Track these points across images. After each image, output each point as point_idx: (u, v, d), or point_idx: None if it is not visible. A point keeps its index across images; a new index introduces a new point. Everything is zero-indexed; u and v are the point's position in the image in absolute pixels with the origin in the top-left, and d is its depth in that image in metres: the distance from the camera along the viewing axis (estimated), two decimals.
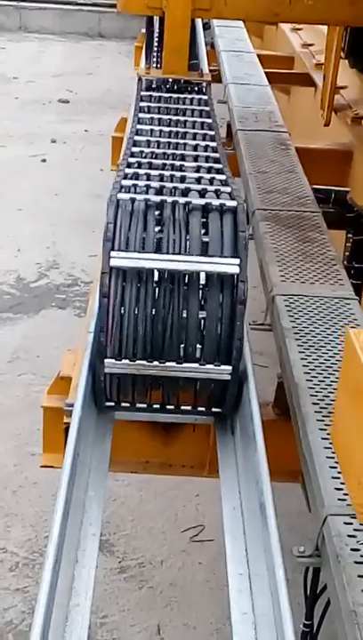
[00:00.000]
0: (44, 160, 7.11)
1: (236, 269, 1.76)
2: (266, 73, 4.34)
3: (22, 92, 8.93)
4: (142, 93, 2.93)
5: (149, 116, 2.65)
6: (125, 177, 1.98)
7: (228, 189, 1.94)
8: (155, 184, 1.94)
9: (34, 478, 3.54)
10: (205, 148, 2.36)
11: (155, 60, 3.58)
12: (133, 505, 3.47)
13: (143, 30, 4.35)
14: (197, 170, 2.11)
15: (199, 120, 2.64)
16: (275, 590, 1.37)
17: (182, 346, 1.78)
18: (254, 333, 2.15)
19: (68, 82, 9.35)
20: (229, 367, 1.80)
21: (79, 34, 11.49)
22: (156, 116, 2.65)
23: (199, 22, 4.21)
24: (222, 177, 2.06)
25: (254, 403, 1.77)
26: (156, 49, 3.62)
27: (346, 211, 3.34)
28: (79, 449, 1.67)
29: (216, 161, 2.23)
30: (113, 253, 1.75)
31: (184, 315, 1.76)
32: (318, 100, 4.46)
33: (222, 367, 1.80)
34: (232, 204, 1.86)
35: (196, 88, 3.06)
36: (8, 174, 6.73)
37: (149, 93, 2.92)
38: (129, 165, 2.12)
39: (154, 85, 3.07)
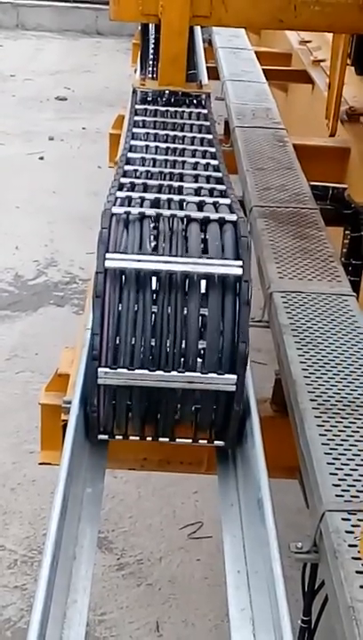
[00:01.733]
0: (41, 158, 7.10)
1: (231, 388, 1.68)
2: (263, 70, 4.34)
3: (20, 90, 8.92)
4: (137, 107, 2.72)
5: (143, 131, 2.45)
6: (113, 244, 1.68)
7: (245, 298, 1.65)
8: (147, 265, 1.65)
9: (32, 476, 3.54)
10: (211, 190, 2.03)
11: (150, 70, 3.34)
12: (132, 502, 3.47)
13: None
14: (204, 235, 1.77)
15: (201, 149, 2.35)
16: (273, 586, 1.37)
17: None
18: (252, 330, 2.14)
19: (66, 79, 9.34)
20: (222, 442, 1.81)
21: (76, 31, 11.46)
22: (151, 134, 2.42)
23: (198, 30, 3.99)
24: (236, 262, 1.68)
25: (252, 400, 1.77)
26: (151, 58, 3.36)
27: (344, 207, 3.34)
28: (77, 446, 1.66)
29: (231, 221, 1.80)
30: (100, 371, 1.65)
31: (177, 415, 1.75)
32: (315, 97, 4.46)
33: (216, 442, 1.81)
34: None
35: (194, 101, 2.85)
36: (6, 172, 6.73)
37: (144, 107, 2.71)
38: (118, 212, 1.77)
39: (149, 98, 2.85)
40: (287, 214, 2.70)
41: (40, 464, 2.20)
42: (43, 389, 2.18)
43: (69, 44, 11.05)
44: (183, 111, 2.70)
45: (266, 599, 1.41)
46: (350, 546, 1.39)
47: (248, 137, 3.36)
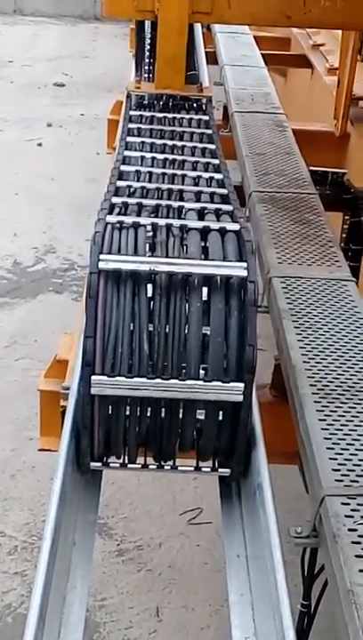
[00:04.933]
0: (39, 144, 7.08)
1: (227, 473, 1.66)
2: (262, 54, 4.32)
3: (17, 76, 8.88)
4: (131, 113, 2.49)
5: (137, 144, 2.23)
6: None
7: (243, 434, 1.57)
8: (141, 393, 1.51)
9: (32, 462, 3.55)
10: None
11: (146, 71, 3.06)
12: (132, 488, 3.48)
13: None
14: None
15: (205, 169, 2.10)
16: (272, 571, 1.37)
17: None
18: None
19: (64, 65, 9.29)
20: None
21: (74, 17, 11.41)
22: (146, 150, 2.19)
23: (198, 26, 3.79)
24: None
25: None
26: (148, 59, 3.09)
27: (343, 192, 3.33)
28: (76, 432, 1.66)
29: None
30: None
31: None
32: (315, 82, 4.44)
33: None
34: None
35: (194, 105, 2.63)
36: (4, 158, 6.71)
37: (139, 113, 2.49)
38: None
39: (146, 103, 2.64)
40: (287, 199, 2.68)
41: (39, 450, 2.20)
42: (42, 376, 2.18)
43: (67, 29, 11.00)
44: (182, 118, 2.47)
45: (266, 584, 1.41)
46: (349, 530, 1.39)
47: (247, 122, 3.34)
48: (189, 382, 1.50)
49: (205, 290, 1.52)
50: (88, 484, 1.69)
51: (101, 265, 1.49)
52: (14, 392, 4.00)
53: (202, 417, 1.57)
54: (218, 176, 2.01)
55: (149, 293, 1.50)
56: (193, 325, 1.49)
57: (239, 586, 1.49)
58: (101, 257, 1.50)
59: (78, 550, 1.55)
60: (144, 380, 1.49)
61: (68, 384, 1.89)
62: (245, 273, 1.51)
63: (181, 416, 1.56)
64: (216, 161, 2.14)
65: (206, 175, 2.01)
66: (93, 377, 1.49)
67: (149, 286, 1.50)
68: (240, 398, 1.51)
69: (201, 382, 1.50)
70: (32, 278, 5.10)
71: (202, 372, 1.52)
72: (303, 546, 1.55)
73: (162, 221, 1.63)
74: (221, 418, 1.56)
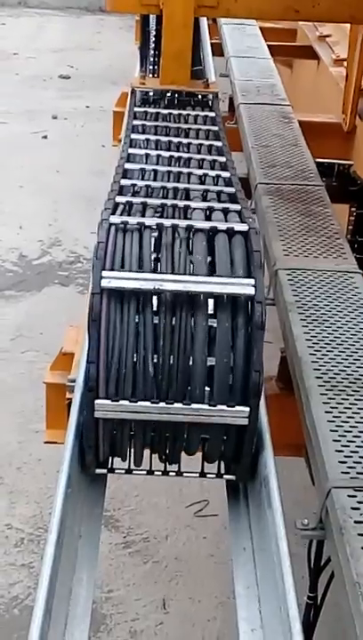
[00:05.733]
0: (45, 137, 7.07)
1: (232, 478, 1.65)
2: (268, 45, 4.30)
3: (23, 68, 8.87)
4: (136, 109, 2.45)
5: (142, 139, 2.19)
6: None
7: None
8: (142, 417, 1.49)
9: (38, 455, 3.55)
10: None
11: (152, 64, 3.08)
12: (138, 481, 3.47)
13: None
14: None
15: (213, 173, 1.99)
16: (279, 563, 1.37)
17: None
18: None
19: (69, 57, 9.27)
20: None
21: (80, 9, 11.38)
22: (150, 147, 2.14)
23: (204, 20, 3.78)
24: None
25: None
26: (152, 53, 3.09)
27: (349, 184, 3.31)
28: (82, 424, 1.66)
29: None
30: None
31: None
32: (321, 73, 4.42)
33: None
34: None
35: (200, 101, 2.58)
36: (9, 151, 6.70)
37: (143, 109, 2.45)
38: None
39: (150, 99, 2.60)
40: (293, 191, 2.68)
41: (45, 443, 2.20)
42: (47, 368, 2.18)
43: (72, 21, 10.97)
44: (188, 114, 2.43)
45: (272, 576, 1.41)
46: (355, 522, 1.39)
47: (253, 114, 3.33)
48: (193, 406, 1.47)
49: (211, 301, 1.48)
50: (94, 478, 1.69)
51: (104, 283, 1.45)
52: (20, 385, 4.00)
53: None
54: (225, 174, 1.97)
55: (154, 308, 1.46)
56: (198, 348, 1.44)
57: (246, 578, 1.49)
58: (104, 274, 1.45)
59: (85, 543, 1.55)
60: (148, 404, 1.47)
61: (73, 377, 1.89)
62: (252, 291, 1.45)
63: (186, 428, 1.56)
64: (223, 158, 2.10)
65: (213, 173, 1.96)
66: (97, 401, 1.47)
67: (154, 303, 1.46)
68: (246, 422, 1.49)
69: (206, 406, 1.48)
70: (37, 271, 5.10)
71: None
72: (310, 538, 1.55)
73: (167, 222, 1.56)
74: (226, 436, 1.56)
